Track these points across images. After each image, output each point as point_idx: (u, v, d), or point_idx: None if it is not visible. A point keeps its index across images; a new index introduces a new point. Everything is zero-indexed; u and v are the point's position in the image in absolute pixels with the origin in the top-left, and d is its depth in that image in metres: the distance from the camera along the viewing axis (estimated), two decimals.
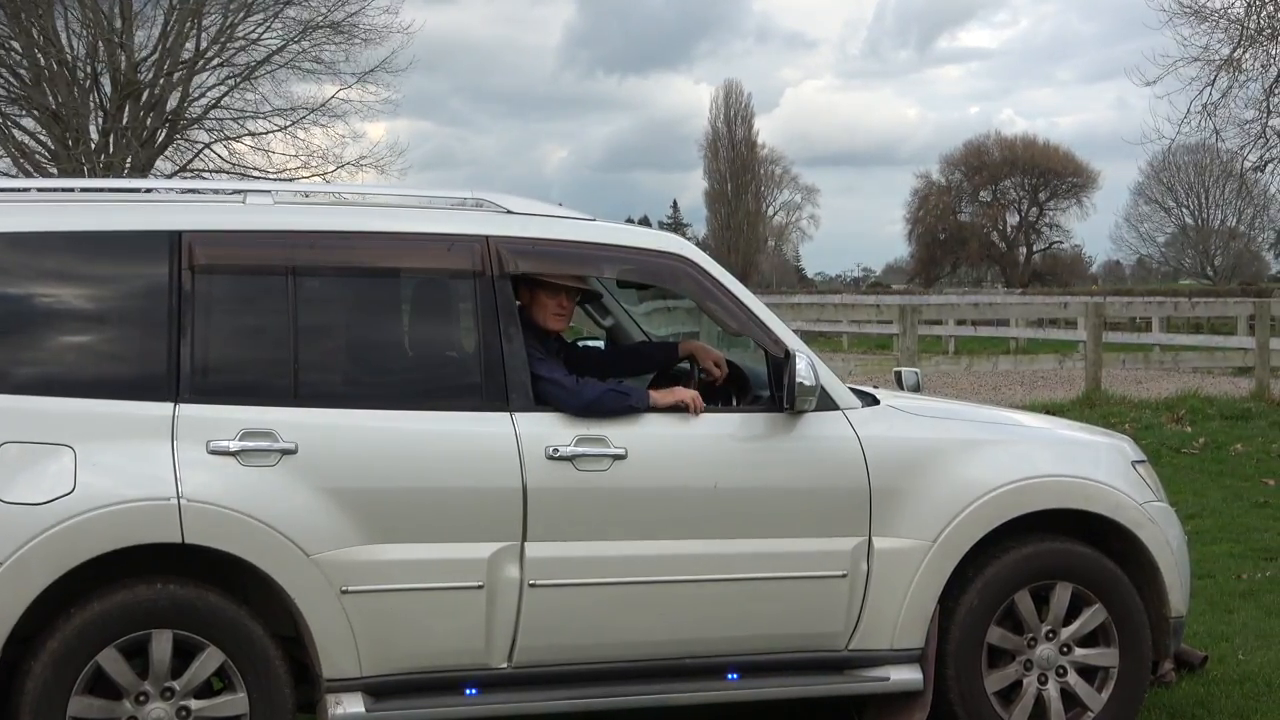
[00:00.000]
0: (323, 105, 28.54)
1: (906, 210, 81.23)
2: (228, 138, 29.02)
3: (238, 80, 28.37)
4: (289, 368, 4.79)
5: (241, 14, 27.70)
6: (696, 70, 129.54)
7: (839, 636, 5.21)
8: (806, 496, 5.14)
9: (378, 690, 4.75)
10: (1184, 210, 72.54)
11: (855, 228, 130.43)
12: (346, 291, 5.02)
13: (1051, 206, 79.30)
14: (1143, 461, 5.77)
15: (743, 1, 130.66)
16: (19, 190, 5.16)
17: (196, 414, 4.64)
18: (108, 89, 27.52)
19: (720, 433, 5.15)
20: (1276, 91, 21.92)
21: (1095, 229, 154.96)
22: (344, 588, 4.66)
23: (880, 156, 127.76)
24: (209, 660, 4.60)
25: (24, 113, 27.28)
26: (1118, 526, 5.48)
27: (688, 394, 5.16)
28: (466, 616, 4.80)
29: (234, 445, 4.62)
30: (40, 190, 5.21)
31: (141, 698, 4.54)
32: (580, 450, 4.90)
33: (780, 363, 5.15)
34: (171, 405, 4.64)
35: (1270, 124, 22.35)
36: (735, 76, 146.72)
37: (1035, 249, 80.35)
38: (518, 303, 5.17)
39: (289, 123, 28.60)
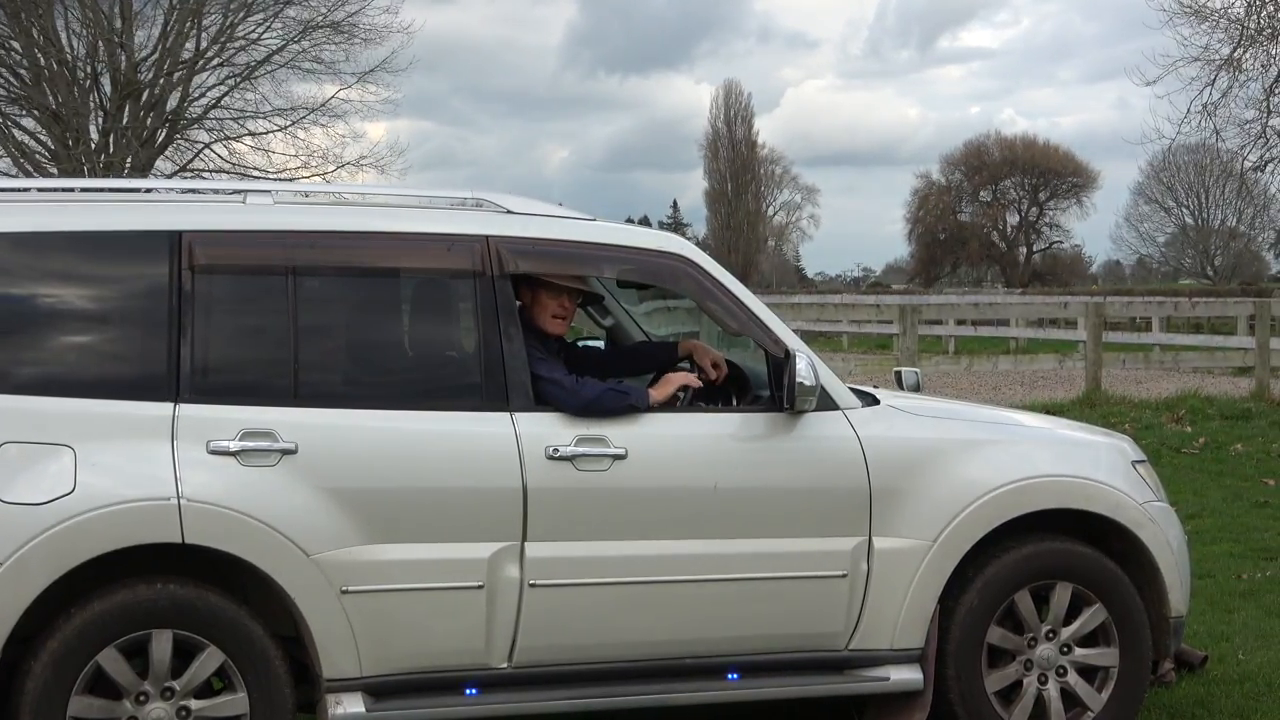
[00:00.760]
0: (323, 105, 28.61)
1: (906, 210, 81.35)
2: (228, 138, 29.07)
3: (238, 80, 28.41)
4: (289, 368, 4.78)
5: (241, 14, 27.73)
6: (698, 70, 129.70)
7: (839, 636, 5.21)
8: (806, 496, 5.14)
9: (378, 690, 4.75)
10: (1184, 210, 72.59)
11: (855, 228, 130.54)
12: (346, 291, 5.02)
13: (1051, 206, 79.36)
14: (1143, 461, 5.77)
15: (744, 1, 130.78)
16: (19, 190, 5.17)
17: (196, 414, 4.64)
18: (108, 89, 27.56)
19: (720, 433, 5.15)
20: (1276, 91, 21.92)
21: (1095, 229, 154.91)
22: (344, 588, 4.66)
23: (881, 156, 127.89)
24: (209, 660, 4.60)
25: (24, 113, 27.31)
26: (1118, 526, 5.48)
27: (681, 377, 5.18)
28: (466, 616, 4.80)
29: (234, 445, 4.62)
30: (40, 190, 5.21)
31: (141, 698, 4.54)
32: (580, 450, 4.90)
33: (780, 363, 5.15)
34: (171, 405, 4.64)
35: (1270, 124, 22.35)
36: (736, 76, 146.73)
37: (1035, 249, 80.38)
38: (518, 303, 5.18)
39: (289, 123, 28.67)
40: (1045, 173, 77.50)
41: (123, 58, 27.16)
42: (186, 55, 27.79)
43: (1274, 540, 9.73)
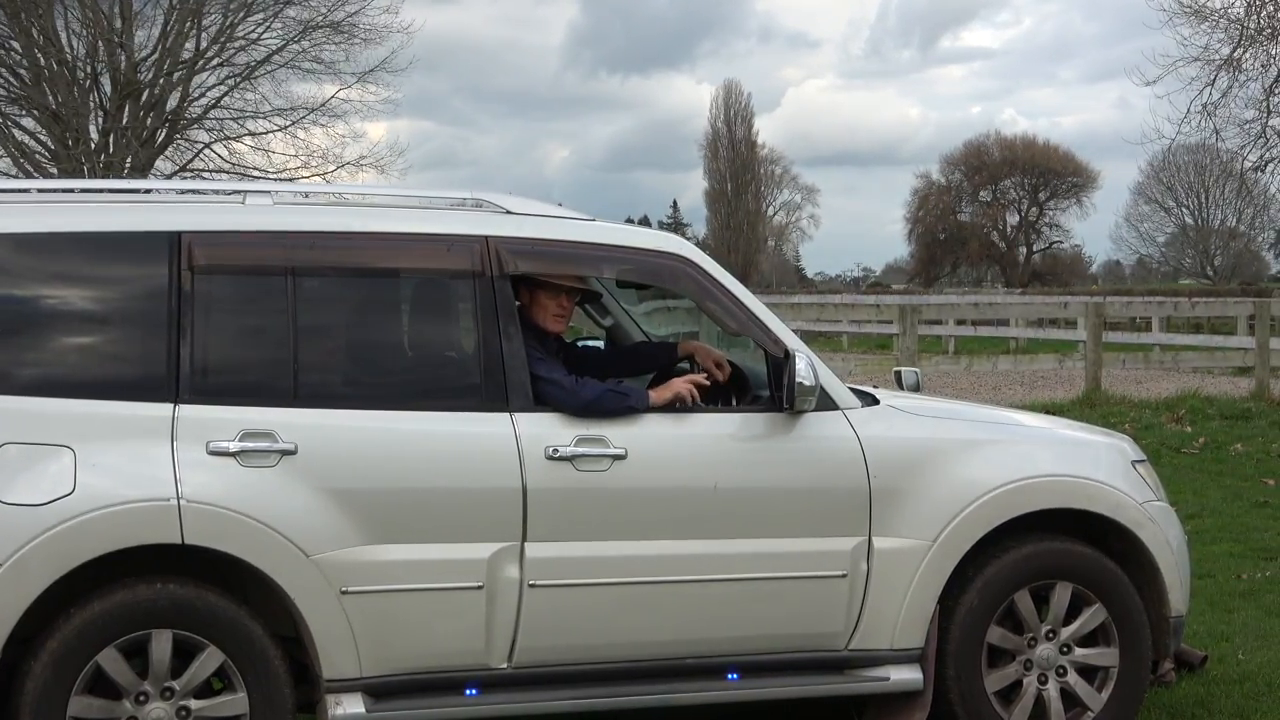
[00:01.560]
0: (323, 105, 28.60)
1: (906, 210, 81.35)
2: (228, 138, 29.06)
3: (238, 80, 28.40)
4: (289, 368, 4.78)
5: (241, 14, 27.72)
6: (699, 70, 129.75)
7: (839, 636, 5.21)
8: (806, 496, 5.14)
9: (378, 690, 4.75)
10: (1184, 210, 72.60)
11: (855, 228, 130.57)
12: (346, 292, 5.02)
13: (1051, 206, 79.38)
14: (1143, 461, 5.77)
15: (745, 1, 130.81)
16: (19, 191, 5.17)
17: (196, 415, 4.64)
18: (108, 89, 27.54)
19: (720, 433, 5.15)
20: (1276, 91, 21.91)
21: (1095, 229, 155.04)
22: (344, 588, 4.66)
23: (882, 156, 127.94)
24: (209, 660, 4.60)
25: (24, 113, 27.30)
26: (1118, 526, 5.48)
27: (683, 385, 5.17)
28: (466, 617, 4.80)
29: (234, 446, 4.62)
30: (40, 191, 5.22)
31: (141, 698, 4.54)
32: (580, 450, 4.90)
33: (780, 363, 5.15)
34: (171, 406, 4.64)
35: (1270, 124, 22.33)
36: (738, 76, 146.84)
37: (1035, 249, 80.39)
38: (517, 303, 5.18)
39: (289, 123, 28.65)
40: (1045, 173, 77.51)
41: (123, 58, 27.15)
42: (186, 55, 27.78)
43: (1274, 540, 9.73)
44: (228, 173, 28.12)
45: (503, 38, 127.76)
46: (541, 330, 5.30)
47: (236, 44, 28.09)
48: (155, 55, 27.68)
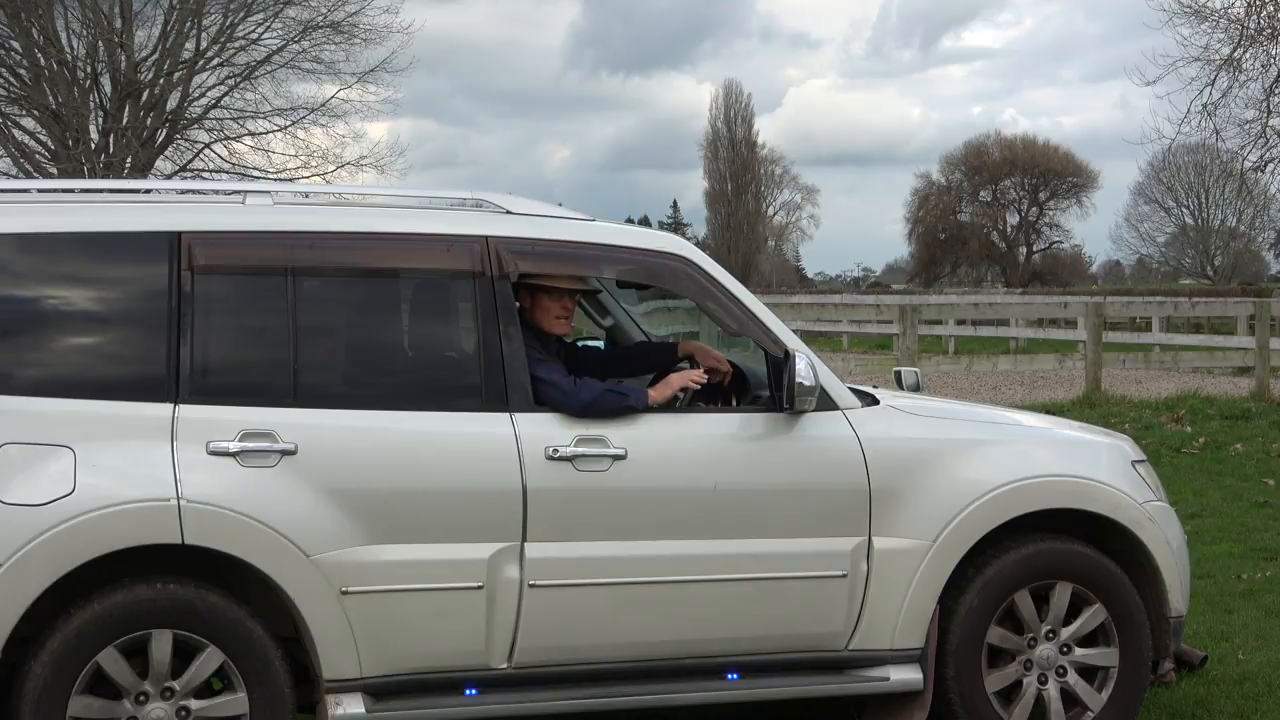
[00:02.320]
0: (323, 105, 28.60)
1: (907, 210, 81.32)
2: (228, 138, 29.06)
3: (238, 80, 28.41)
4: (289, 368, 4.78)
5: (241, 14, 27.73)
6: (700, 70, 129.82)
7: (839, 636, 5.21)
8: (806, 497, 5.14)
9: (378, 691, 4.75)
10: (1184, 210, 72.58)
11: (855, 228, 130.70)
12: (346, 292, 5.02)
13: (1051, 206, 79.35)
14: (1143, 461, 5.76)
15: (747, 1, 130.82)
16: (19, 191, 5.17)
17: (196, 415, 4.64)
18: (108, 89, 27.55)
19: (720, 433, 5.15)
20: (1276, 91, 21.93)
21: (1095, 229, 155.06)
22: (344, 588, 4.66)
23: (883, 156, 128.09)
24: (209, 660, 4.59)
25: (24, 113, 27.29)
26: (1118, 526, 5.48)
27: (682, 379, 5.18)
28: (466, 617, 4.79)
29: (234, 446, 4.62)
30: (40, 191, 5.22)
31: (141, 698, 4.54)
32: (580, 450, 4.90)
33: (780, 363, 5.15)
34: (171, 406, 4.64)
35: (1270, 124, 22.37)
36: (739, 76, 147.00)
37: (1035, 249, 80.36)
38: (519, 305, 5.18)
39: (289, 123, 28.65)
40: (1045, 173, 77.49)
41: (123, 58, 27.15)
42: (186, 55, 27.78)
43: (1274, 540, 9.73)
44: (228, 173, 28.11)
45: (504, 38, 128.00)
46: (542, 330, 5.30)
47: (236, 44, 28.11)
48: (155, 55, 27.69)
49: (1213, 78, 21.71)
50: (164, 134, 28.28)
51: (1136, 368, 21.31)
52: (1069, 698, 5.42)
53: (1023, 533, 5.39)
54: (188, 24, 27.42)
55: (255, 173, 28.02)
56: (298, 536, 4.61)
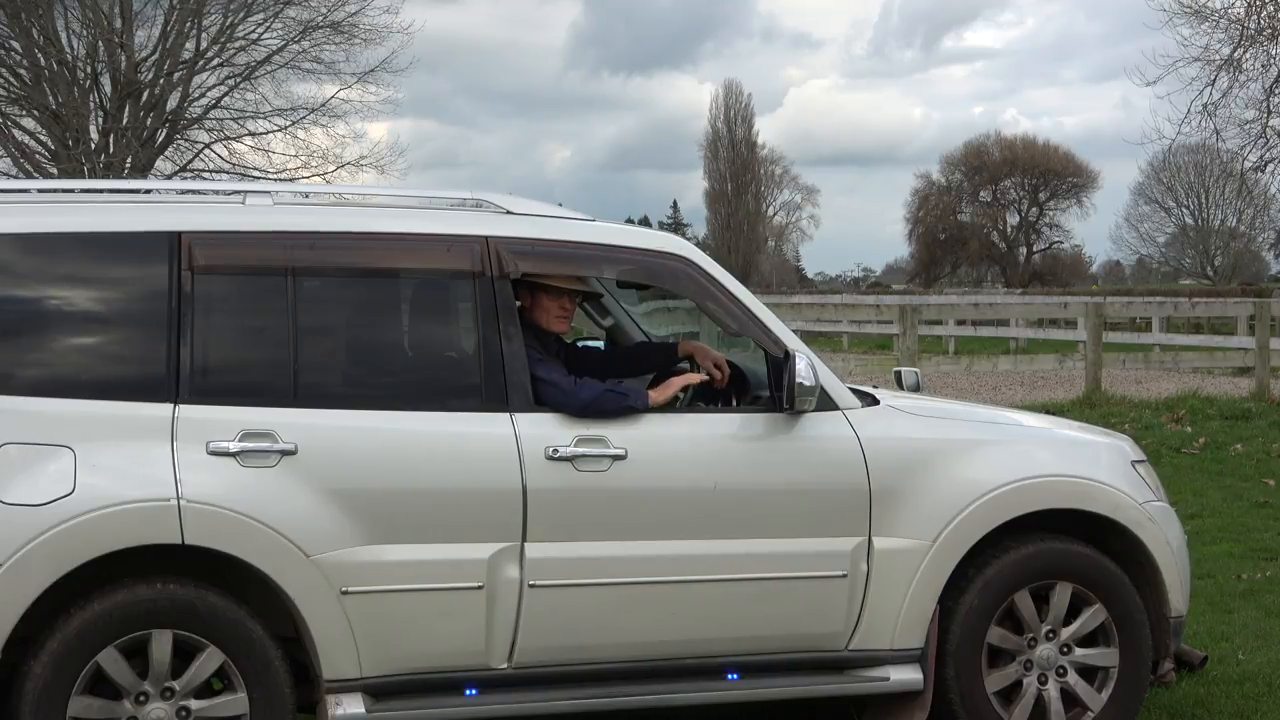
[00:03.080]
0: (323, 105, 28.60)
1: (907, 210, 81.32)
2: (228, 138, 29.06)
3: (238, 80, 28.41)
4: (289, 368, 4.78)
5: (241, 14, 27.73)
6: (701, 70, 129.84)
7: (839, 636, 5.21)
8: (806, 497, 5.14)
9: (378, 691, 4.75)
10: (1184, 210, 72.58)
11: (855, 228, 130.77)
12: (346, 292, 5.02)
13: (1051, 206, 79.35)
14: (1143, 461, 5.76)
15: (748, 1, 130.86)
16: (19, 191, 5.17)
17: (196, 415, 4.64)
18: (108, 89, 27.54)
19: (720, 433, 5.15)
20: (1276, 91, 21.94)
21: (1095, 229, 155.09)
22: (344, 588, 4.66)
23: (884, 156, 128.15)
24: (209, 660, 4.59)
25: (24, 113, 27.29)
26: (1118, 526, 5.48)
27: (682, 380, 5.18)
28: (466, 617, 4.80)
29: (234, 446, 4.62)
30: (40, 191, 5.21)
31: (141, 698, 4.54)
32: (580, 451, 4.90)
33: (780, 363, 5.15)
34: (171, 406, 4.64)
35: (1270, 124, 22.37)
36: (740, 77, 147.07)
37: (1035, 249, 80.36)
38: (519, 304, 5.18)
39: (289, 123, 28.65)
40: (1045, 173, 77.49)
41: (123, 58, 27.14)
42: (186, 55, 27.78)
43: (1274, 540, 9.73)
44: (228, 173, 28.11)
45: (505, 38, 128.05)
46: (542, 330, 5.30)
47: (236, 44, 28.10)
48: (155, 55, 27.68)
49: (1213, 78, 21.73)
50: (164, 134, 28.27)
51: (1136, 368, 21.30)
52: (1069, 698, 5.42)
53: (1023, 533, 5.39)
54: (188, 24, 27.43)
55: (255, 173, 28.02)
56: (298, 536, 4.61)
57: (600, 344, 6.27)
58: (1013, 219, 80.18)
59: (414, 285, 5.16)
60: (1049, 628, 5.41)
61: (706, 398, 5.49)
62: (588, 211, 5.47)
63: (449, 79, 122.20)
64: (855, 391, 5.49)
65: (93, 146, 27.35)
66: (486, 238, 5.05)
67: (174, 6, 27.26)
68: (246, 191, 5.24)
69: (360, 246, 4.99)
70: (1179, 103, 23.95)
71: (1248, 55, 21.70)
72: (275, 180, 26.32)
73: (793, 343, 5.21)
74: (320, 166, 28.60)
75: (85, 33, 27.09)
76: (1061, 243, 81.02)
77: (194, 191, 5.84)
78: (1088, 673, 5.46)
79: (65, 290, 4.74)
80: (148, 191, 5.87)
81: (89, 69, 27.59)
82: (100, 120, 27.69)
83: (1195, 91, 21.92)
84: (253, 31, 28.14)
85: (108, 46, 26.93)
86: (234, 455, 4.62)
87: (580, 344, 6.07)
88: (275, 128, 28.62)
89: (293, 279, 4.85)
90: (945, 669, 5.28)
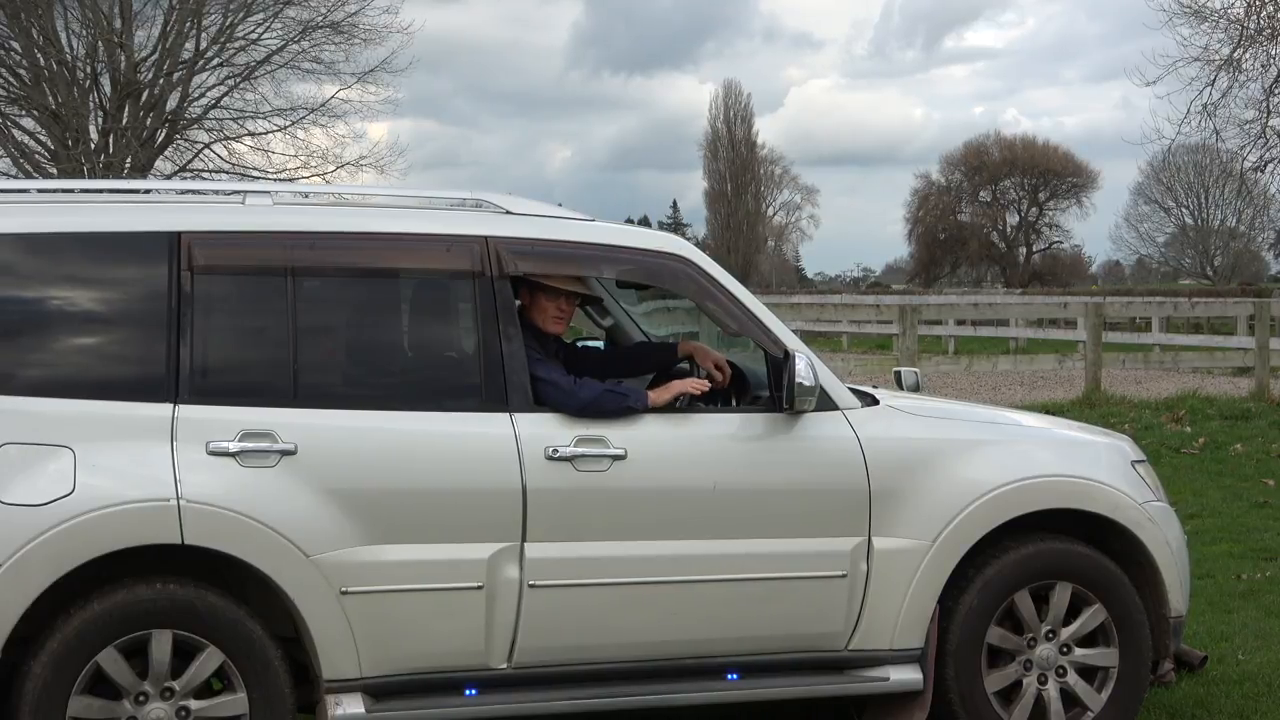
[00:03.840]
0: (323, 105, 28.59)
1: (907, 210, 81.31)
2: (227, 138, 29.06)
3: (238, 80, 28.40)
4: (288, 369, 4.78)
5: (241, 14, 27.72)
6: (703, 70, 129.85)
7: (839, 637, 5.21)
8: (806, 497, 5.14)
9: (377, 691, 4.75)
10: (1184, 210, 72.58)
11: (855, 228, 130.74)
12: (346, 292, 5.02)
13: (1051, 206, 79.33)
14: (1142, 461, 5.76)
15: (750, 1, 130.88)
16: (19, 191, 5.17)
17: (196, 415, 4.64)
18: (108, 89, 27.54)
19: (720, 433, 5.15)
20: (1276, 91, 21.93)
21: (1095, 229, 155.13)
22: (343, 588, 4.66)
23: (885, 156, 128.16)
24: (209, 660, 4.59)
25: (24, 113, 27.29)
26: (1117, 526, 5.48)
27: (683, 385, 5.17)
28: (466, 617, 4.79)
29: (233, 446, 4.62)
30: (40, 191, 5.22)
31: (141, 698, 4.54)
32: (580, 451, 4.90)
33: (779, 363, 5.15)
34: (171, 406, 4.63)
35: (1270, 124, 22.37)
36: (741, 77, 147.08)
37: (1035, 249, 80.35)
38: (517, 303, 5.18)
39: (289, 123, 28.65)
40: (1045, 173, 77.47)
41: (123, 58, 27.14)
42: (186, 55, 27.77)
43: (1274, 540, 9.73)
44: (228, 173, 28.11)
45: (506, 38, 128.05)
46: (541, 330, 5.30)
47: (236, 44, 28.10)
48: (155, 55, 27.68)
49: (1212, 78, 21.72)
50: (164, 134, 28.27)
51: (1136, 368, 21.30)
52: (1069, 698, 5.42)
53: (1022, 533, 5.39)
54: (187, 24, 27.42)
55: (255, 173, 28.02)
56: (297, 536, 4.61)
57: (600, 344, 6.27)
58: (1012, 219, 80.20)
59: (414, 285, 5.16)
60: (1049, 628, 5.41)
61: (706, 398, 5.48)
62: (588, 211, 5.48)
63: (450, 79, 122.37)
64: (855, 391, 5.49)
65: (93, 146, 27.34)
66: (486, 238, 5.05)
67: (174, 6, 27.26)
68: (246, 191, 5.24)
69: (360, 246, 4.99)
70: (1179, 103, 23.98)
71: (1247, 55, 21.71)
72: (275, 180, 26.32)
73: (792, 343, 5.21)
74: (320, 166, 28.62)
75: (85, 33, 27.10)
76: (1061, 243, 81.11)
77: (194, 191, 5.84)
78: (1087, 673, 5.46)
79: (65, 290, 4.74)
80: (148, 191, 5.88)
81: (89, 69, 27.60)
82: (100, 120, 27.69)
83: (1195, 91, 21.94)
84: (252, 31, 28.15)
85: (107, 46, 26.93)
86: (234, 455, 4.62)
87: (580, 344, 6.07)
88: (275, 128, 28.65)
89: (292, 279, 4.85)
90: (945, 669, 5.28)
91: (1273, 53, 21.79)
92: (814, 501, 5.14)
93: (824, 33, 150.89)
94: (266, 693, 4.63)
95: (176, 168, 28.53)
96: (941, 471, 5.27)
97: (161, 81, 27.62)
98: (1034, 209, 79.34)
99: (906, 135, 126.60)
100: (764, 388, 5.40)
